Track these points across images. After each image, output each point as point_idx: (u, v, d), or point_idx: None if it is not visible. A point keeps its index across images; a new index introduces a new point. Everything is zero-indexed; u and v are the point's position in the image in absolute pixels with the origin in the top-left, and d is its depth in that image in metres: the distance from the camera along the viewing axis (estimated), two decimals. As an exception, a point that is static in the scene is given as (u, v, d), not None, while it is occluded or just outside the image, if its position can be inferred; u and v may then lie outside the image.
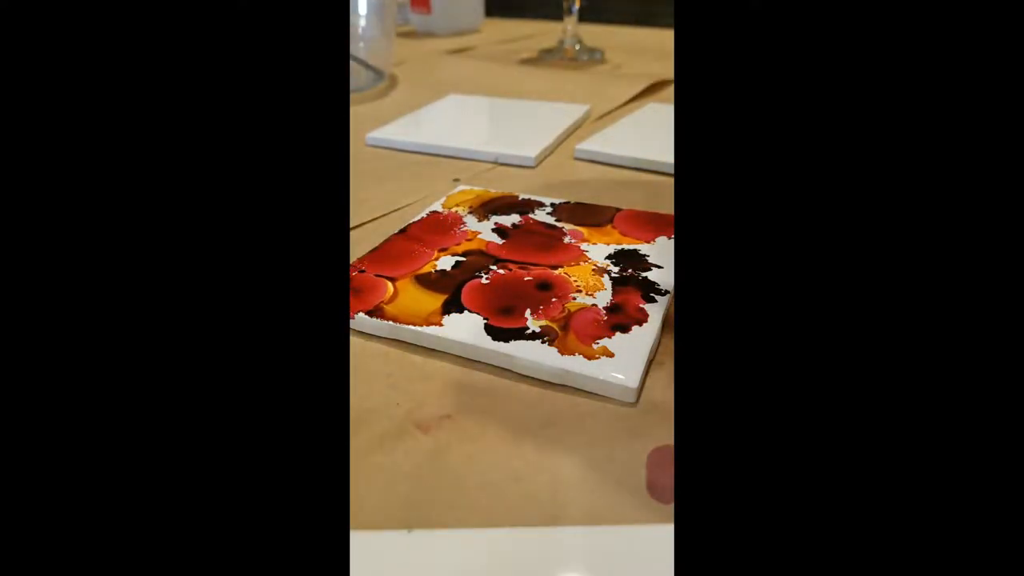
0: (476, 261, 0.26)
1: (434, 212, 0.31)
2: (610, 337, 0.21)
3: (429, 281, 0.25)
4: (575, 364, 0.20)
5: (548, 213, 0.31)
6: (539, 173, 0.38)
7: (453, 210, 0.31)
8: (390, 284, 0.25)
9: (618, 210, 0.31)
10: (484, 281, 0.25)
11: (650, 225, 0.29)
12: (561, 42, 0.70)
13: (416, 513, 0.16)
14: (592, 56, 0.69)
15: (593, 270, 0.25)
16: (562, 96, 0.53)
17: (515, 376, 0.20)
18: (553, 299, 0.23)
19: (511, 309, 0.23)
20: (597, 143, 0.41)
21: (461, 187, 0.34)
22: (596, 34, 0.76)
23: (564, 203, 0.32)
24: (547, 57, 0.70)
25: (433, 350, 0.22)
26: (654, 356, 0.21)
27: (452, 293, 0.24)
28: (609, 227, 0.29)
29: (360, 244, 0.29)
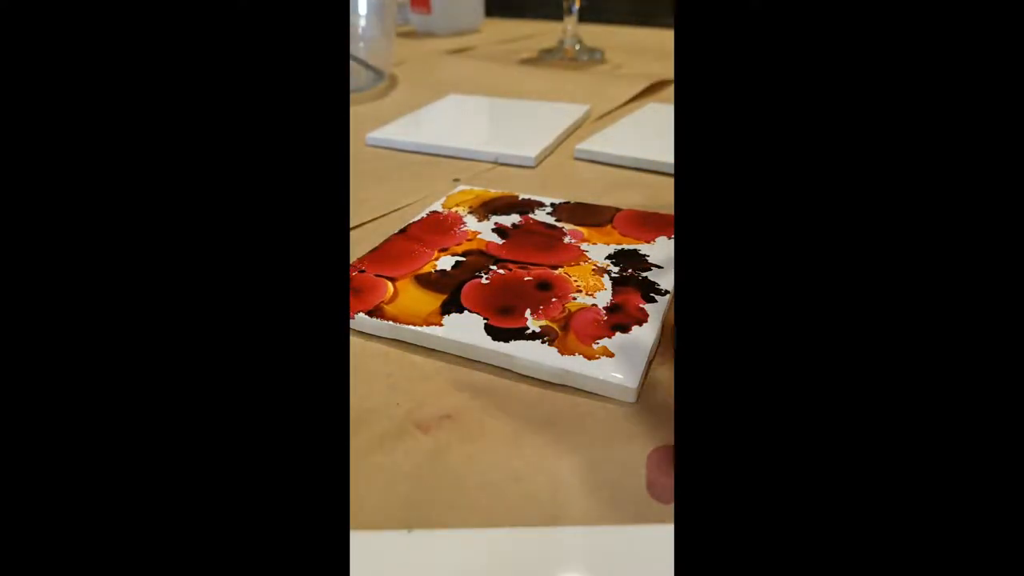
0: (476, 261, 0.26)
1: (434, 212, 0.31)
2: (610, 337, 0.21)
3: (429, 281, 0.25)
4: (575, 364, 0.20)
5: (548, 213, 0.31)
6: (539, 173, 0.38)
7: (453, 210, 0.31)
8: (390, 284, 0.25)
9: (618, 210, 0.31)
10: (484, 281, 0.25)
11: (650, 225, 0.29)
12: (561, 42, 0.70)
13: (416, 513, 0.16)
14: (592, 56, 0.69)
15: (593, 270, 0.25)
16: (562, 96, 0.53)
17: (515, 376, 0.20)
18: (553, 299, 0.23)
19: (511, 309, 0.23)
20: (597, 143, 0.41)
21: (461, 187, 0.34)
22: (596, 34, 0.76)
23: (564, 203, 0.32)
24: (547, 57, 0.70)
25: (433, 350, 0.22)
26: (654, 356, 0.21)
27: (452, 293, 0.24)
28: (609, 227, 0.29)
29: (360, 244, 0.29)
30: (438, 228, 0.29)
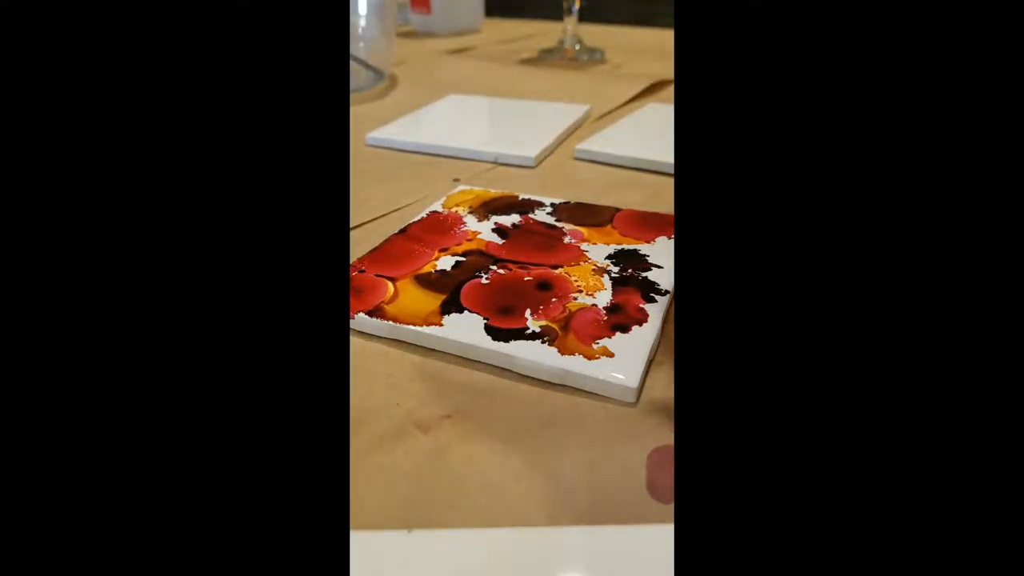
0: (476, 261, 0.26)
1: (434, 212, 0.31)
2: (610, 337, 0.21)
3: (429, 281, 0.25)
4: (575, 364, 0.20)
5: (548, 213, 0.31)
6: (539, 173, 0.38)
7: (453, 210, 0.31)
8: (390, 284, 0.25)
9: (618, 210, 0.31)
10: (484, 281, 0.25)
11: (650, 225, 0.29)
12: (561, 42, 0.70)
13: (416, 513, 0.16)
14: (592, 56, 0.69)
15: (593, 270, 0.25)
16: (562, 96, 0.53)
17: (515, 376, 0.20)
18: (553, 299, 0.23)
19: (511, 309, 0.23)
20: (597, 143, 0.41)
21: (461, 187, 0.34)
22: (596, 34, 0.76)
23: (564, 203, 0.32)
24: (547, 57, 0.70)
25: (433, 350, 0.22)
26: (654, 356, 0.21)
27: (452, 293, 0.24)
28: (609, 227, 0.29)
29: (360, 244, 0.29)
30: (438, 228, 0.29)
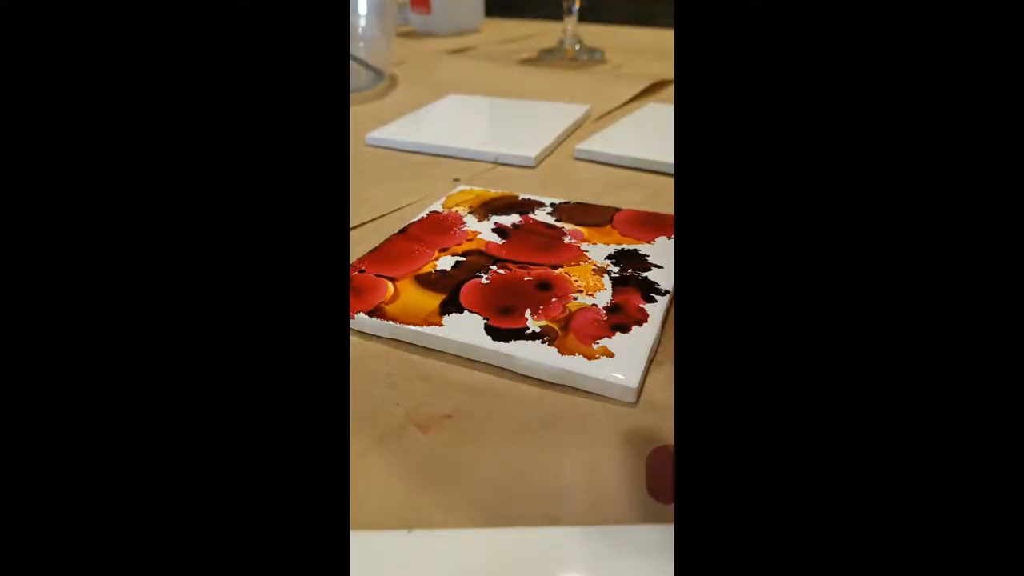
0: (476, 261, 0.26)
1: (434, 212, 0.31)
2: (610, 337, 0.21)
3: (429, 281, 0.25)
4: (575, 364, 0.20)
5: (548, 213, 0.31)
6: (539, 173, 0.38)
7: (453, 210, 0.31)
8: (390, 284, 0.25)
9: (618, 210, 0.31)
10: (484, 281, 0.25)
11: (650, 225, 0.29)
12: (561, 42, 0.70)
13: (416, 513, 0.16)
14: (592, 56, 0.69)
15: (593, 270, 0.25)
16: (562, 96, 0.53)
17: (515, 376, 0.20)
18: (553, 299, 0.23)
19: (511, 309, 0.23)
20: (597, 143, 0.41)
21: (461, 187, 0.34)
22: (596, 34, 0.76)
23: (564, 203, 0.32)
24: (547, 57, 0.70)
25: (433, 350, 0.22)
26: (654, 356, 0.21)
27: (452, 293, 0.24)
28: (609, 227, 0.29)
29: (360, 244, 0.29)
30: (438, 228, 0.29)
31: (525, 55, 0.72)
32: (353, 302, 0.23)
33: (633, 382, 0.19)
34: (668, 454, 0.17)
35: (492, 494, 0.16)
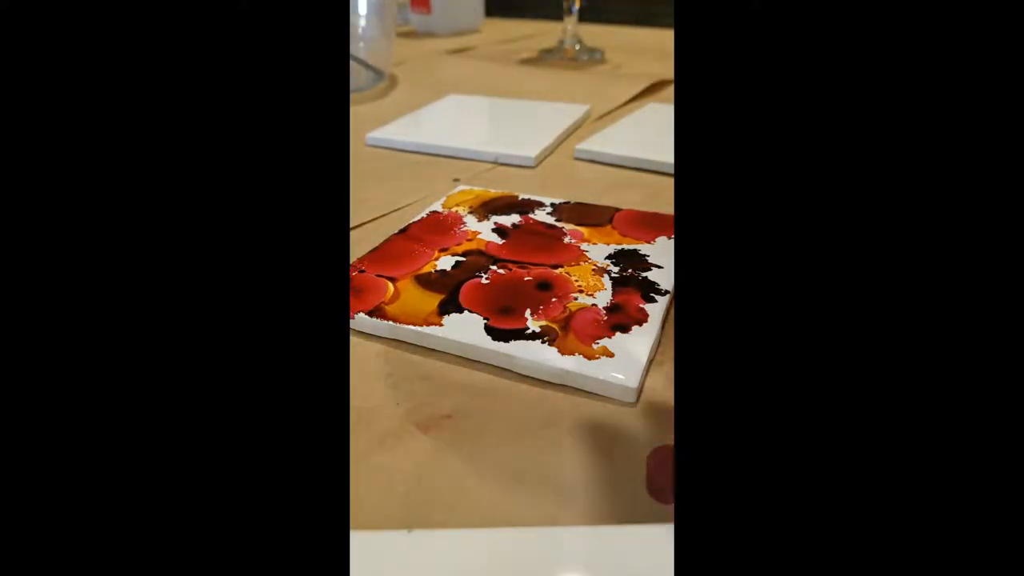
0: (476, 261, 0.26)
1: (434, 212, 0.31)
2: (610, 337, 0.21)
3: (429, 281, 0.25)
4: (575, 364, 0.20)
5: (548, 213, 0.31)
6: (539, 173, 0.38)
7: (453, 210, 0.31)
8: (390, 284, 0.25)
9: (618, 210, 0.31)
10: (484, 281, 0.25)
11: (650, 225, 0.29)
12: (561, 42, 0.70)
13: (416, 513, 0.16)
14: (592, 56, 0.69)
15: (593, 270, 0.25)
16: (562, 96, 0.53)
17: (515, 376, 0.20)
18: (553, 299, 0.23)
19: (511, 309, 0.23)
20: (597, 143, 0.41)
21: (461, 187, 0.34)
22: (596, 34, 0.76)
23: (564, 203, 0.32)
24: (547, 57, 0.70)
25: (433, 350, 0.22)
26: (654, 356, 0.21)
27: (452, 293, 0.24)
28: (609, 227, 0.29)
29: (360, 244, 0.29)
30: (438, 228, 0.29)
31: (525, 55, 0.72)
32: (353, 302, 0.23)
33: (633, 382, 0.19)
34: (668, 454, 0.17)
35: (492, 494, 0.16)
